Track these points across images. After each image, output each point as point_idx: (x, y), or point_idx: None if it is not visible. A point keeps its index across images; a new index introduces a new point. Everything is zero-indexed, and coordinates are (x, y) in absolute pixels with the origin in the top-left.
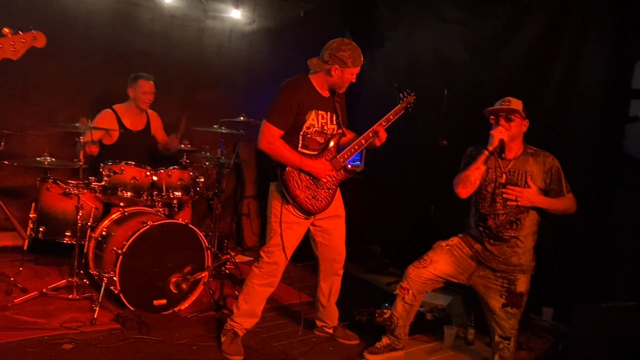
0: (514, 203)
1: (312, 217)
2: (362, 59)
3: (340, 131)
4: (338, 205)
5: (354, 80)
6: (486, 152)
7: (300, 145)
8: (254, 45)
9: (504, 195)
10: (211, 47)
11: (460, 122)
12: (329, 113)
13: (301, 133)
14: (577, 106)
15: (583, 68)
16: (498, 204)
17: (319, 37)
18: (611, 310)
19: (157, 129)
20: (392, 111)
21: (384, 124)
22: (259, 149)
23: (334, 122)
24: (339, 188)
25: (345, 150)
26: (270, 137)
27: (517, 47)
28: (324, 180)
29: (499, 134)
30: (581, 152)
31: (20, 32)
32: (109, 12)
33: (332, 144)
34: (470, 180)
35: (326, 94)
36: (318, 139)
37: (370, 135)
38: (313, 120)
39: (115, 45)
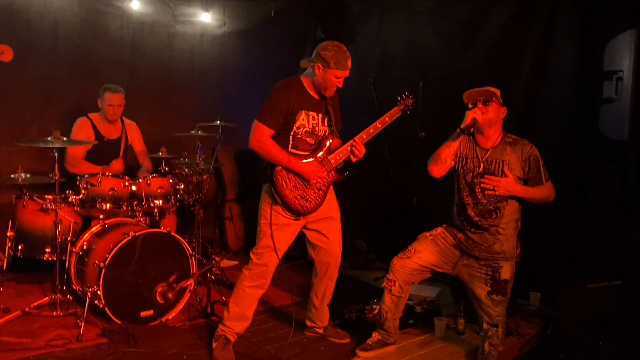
0: (492, 192)
1: (301, 218)
2: (349, 64)
3: (333, 134)
4: (332, 207)
5: (339, 85)
6: (458, 130)
7: (290, 145)
8: (226, 47)
9: (482, 185)
10: (183, 52)
11: (437, 113)
12: (320, 114)
13: (291, 133)
14: (551, 90)
15: (555, 52)
16: (477, 194)
17: (291, 35)
18: (597, 290)
19: (135, 139)
20: (388, 113)
21: (379, 126)
22: (249, 147)
23: (326, 124)
24: (332, 189)
25: (337, 151)
26: (260, 136)
27: (488, 34)
28: (313, 181)
29: (472, 113)
30: (557, 135)
31: None
32: (76, 21)
33: (324, 145)
34: (440, 157)
35: (316, 95)
36: (308, 139)
37: (364, 136)
38: (303, 120)
39: (84, 54)
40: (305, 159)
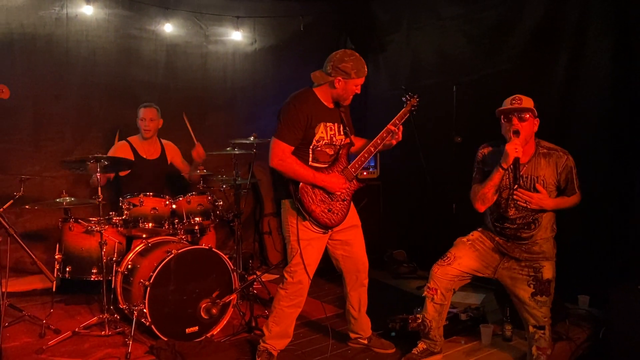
0: (524, 205)
1: (330, 230)
2: (366, 69)
3: (347, 141)
4: (353, 215)
5: (358, 92)
6: (501, 170)
7: (310, 159)
8: (258, 64)
9: (515, 197)
10: (215, 72)
11: (471, 117)
12: (336, 124)
13: (311, 147)
14: (588, 90)
15: (590, 51)
16: (512, 209)
17: (321, 48)
18: None
19: (175, 158)
20: (397, 116)
21: (391, 129)
22: (270, 166)
23: (342, 133)
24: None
25: (356, 159)
26: (281, 154)
27: (519, 36)
28: (338, 192)
29: (514, 152)
30: (597, 136)
31: None
32: (112, 47)
33: (343, 155)
34: (488, 197)
35: (331, 105)
36: (328, 151)
37: (379, 142)
38: (322, 132)
39: (120, 79)
40: (327, 171)
